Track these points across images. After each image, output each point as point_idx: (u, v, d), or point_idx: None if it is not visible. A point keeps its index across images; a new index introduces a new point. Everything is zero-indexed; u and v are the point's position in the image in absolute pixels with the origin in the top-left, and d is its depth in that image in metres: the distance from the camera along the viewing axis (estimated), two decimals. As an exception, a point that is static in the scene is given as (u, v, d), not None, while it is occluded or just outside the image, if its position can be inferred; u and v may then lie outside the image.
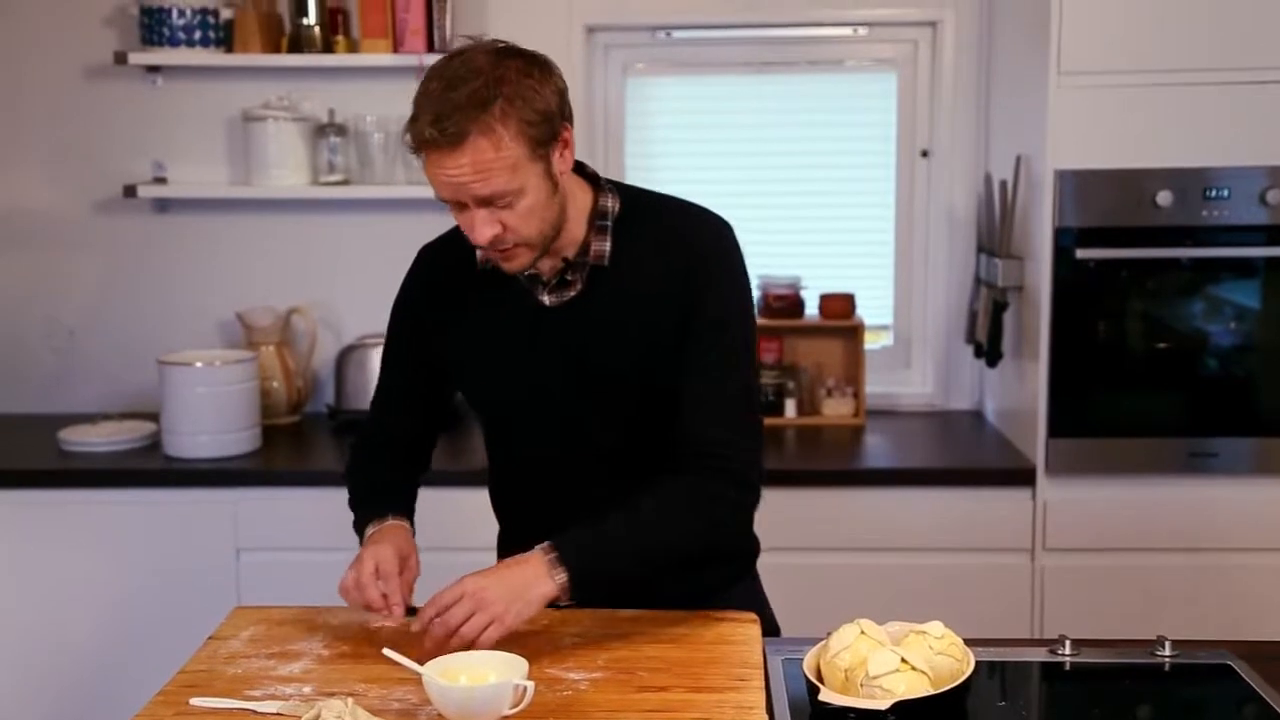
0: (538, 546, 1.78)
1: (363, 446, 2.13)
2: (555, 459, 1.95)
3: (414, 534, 2.00)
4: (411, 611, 1.84)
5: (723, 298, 1.88)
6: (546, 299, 1.90)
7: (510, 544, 2.06)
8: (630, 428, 1.91)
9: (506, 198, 1.74)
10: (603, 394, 1.90)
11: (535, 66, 1.78)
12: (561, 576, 1.75)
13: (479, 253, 1.90)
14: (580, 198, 1.89)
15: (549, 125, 1.76)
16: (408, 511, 2.04)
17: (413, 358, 2.04)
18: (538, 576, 1.75)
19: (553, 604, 1.77)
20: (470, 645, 1.69)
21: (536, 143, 1.74)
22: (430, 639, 1.72)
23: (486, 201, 1.75)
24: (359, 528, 2.01)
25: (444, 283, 1.98)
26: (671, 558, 1.86)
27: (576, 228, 1.87)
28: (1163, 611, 2.94)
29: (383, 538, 1.93)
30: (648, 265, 1.88)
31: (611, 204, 1.90)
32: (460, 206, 1.78)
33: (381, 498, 2.03)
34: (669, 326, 1.87)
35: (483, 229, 1.76)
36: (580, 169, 1.91)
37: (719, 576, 2.02)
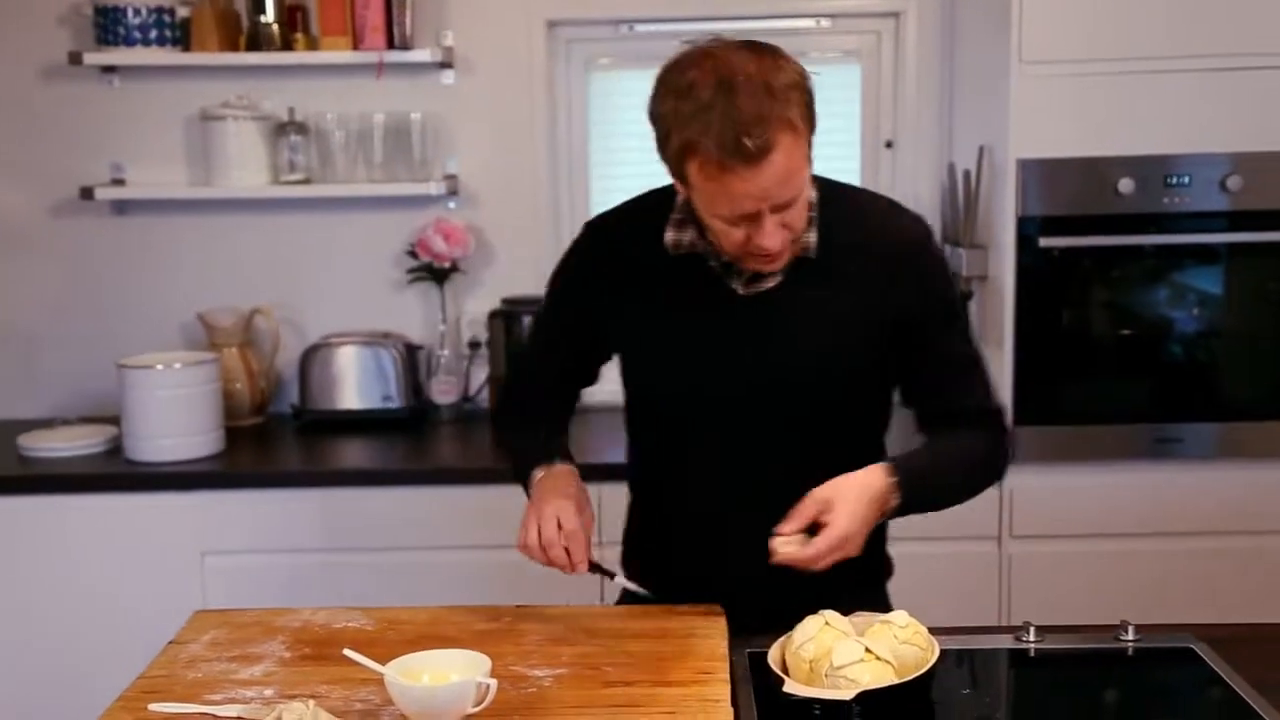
0: (880, 466, 1.78)
1: (510, 401, 2.12)
2: (719, 450, 1.89)
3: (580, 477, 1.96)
4: (594, 568, 1.84)
5: (946, 284, 1.90)
6: (740, 288, 1.84)
7: (645, 531, 2.04)
8: (805, 427, 1.87)
9: (799, 196, 1.71)
10: (788, 388, 1.85)
11: (777, 48, 1.73)
12: (894, 501, 1.77)
13: (670, 236, 1.84)
14: None
15: (813, 108, 1.71)
16: (569, 456, 1.98)
17: (574, 333, 1.98)
18: (881, 505, 1.76)
19: None
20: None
21: (811, 128, 1.71)
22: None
23: (784, 206, 1.70)
24: (522, 473, 1.96)
25: (622, 261, 1.90)
26: (963, 499, 1.93)
27: None
28: (1129, 596, 2.95)
29: (555, 486, 1.88)
30: (852, 256, 1.83)
31: (813, 195, 1.84)
32: (744, 219, 1.70)
33: (542, 442, 1.99)
34: (872, 329, 1.84)
35: (774, 236, 1.71)
36: None
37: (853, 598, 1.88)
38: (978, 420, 1.91)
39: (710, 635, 1.81)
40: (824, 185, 1.87)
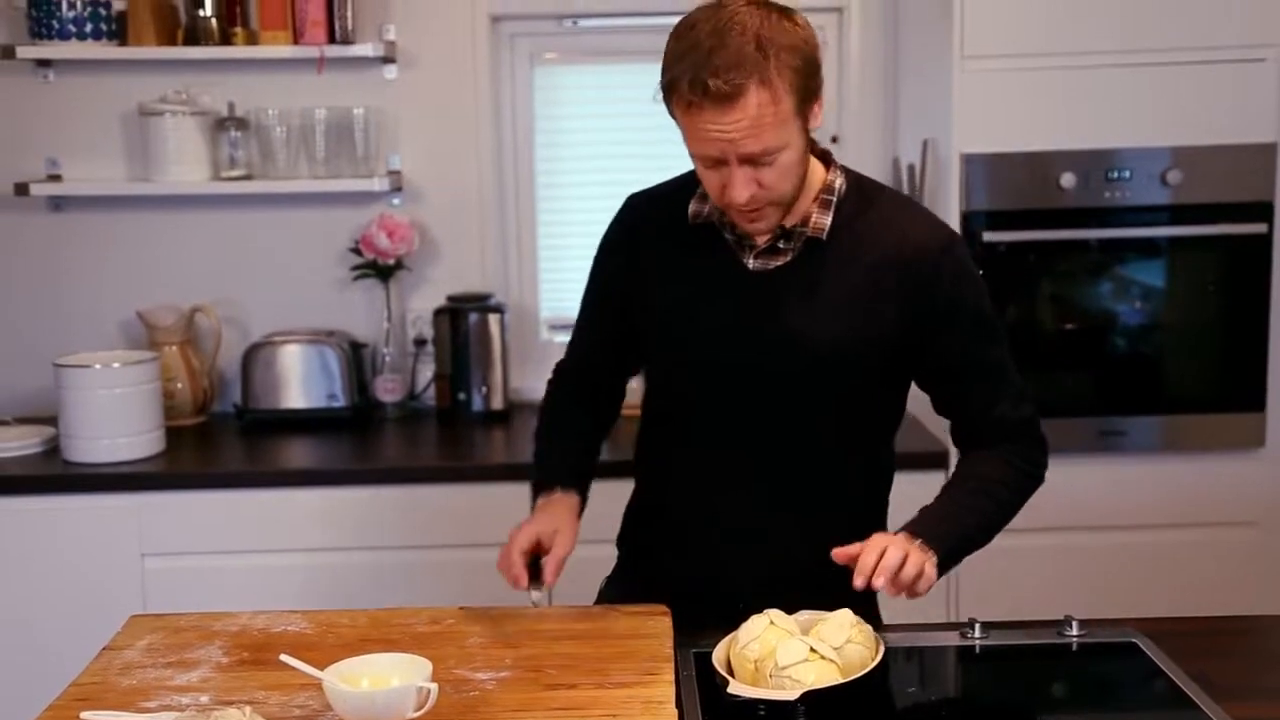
0: (901, 531, 1.78)
1: (560, 385, 2.13)
2: (725, 427, 1.90)
3: (584, 502, 2.00)
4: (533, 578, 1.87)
5: (965, 291, 1.87)
6: (751, 263, 1.86)
7: (644, 509, 2.06)
8: (798, 408, 1.87)
9: (773, 154, 1.72)
10: (791, 365, 1.85)
11: (796, 15, 1.75)
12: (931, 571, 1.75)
13: (693, 207, 1.89)
14: (814, 171, 1.85)
15: (816, 77, 1.74)
16: (582, 476, 2.02)
17: (609, 302, 2.02)
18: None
19: None
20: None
21: (803, 96, 1.72)
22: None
23: (751, 159, 1.71)
24: (534, 492, 2.00)
25: (656, 233, 1.95)
26: (1001, 519, 1.91)
27: (805, 199, 1.84)
28: (1074, 590, 2.97)
29: (545, 510, 1.94)
30: (867, 246, 1.84)
31: (840, 183, 1.87)
32: (717, 164, 1.74)
33: (560, 461, 2.04)
34: (876, 316, 1.83)
35: (742, 188, 1.73)
36: (811, 147, 1.86)
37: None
38: (1007, 433, 1.92)
39: (655, 635, 1.80)
40: (855, 178, 1.91)
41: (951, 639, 1.84)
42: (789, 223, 1.84)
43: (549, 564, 1.86)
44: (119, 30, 3.28)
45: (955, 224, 2.95)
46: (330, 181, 3.34)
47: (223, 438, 3.33)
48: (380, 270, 3.39)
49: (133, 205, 3.43)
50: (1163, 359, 3.06)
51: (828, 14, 3.48)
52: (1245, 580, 3.04)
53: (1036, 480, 1.95)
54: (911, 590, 1.71)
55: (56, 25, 3.21)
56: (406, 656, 1.62)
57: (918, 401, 3.40)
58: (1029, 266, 3.00)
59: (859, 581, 1.68)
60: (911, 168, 3.22)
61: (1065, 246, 2.99)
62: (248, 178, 3.37)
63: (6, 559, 2.96)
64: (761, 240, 1.85)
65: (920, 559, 1.71)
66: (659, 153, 3.50)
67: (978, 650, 1.82)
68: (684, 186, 1.93)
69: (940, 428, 3.06)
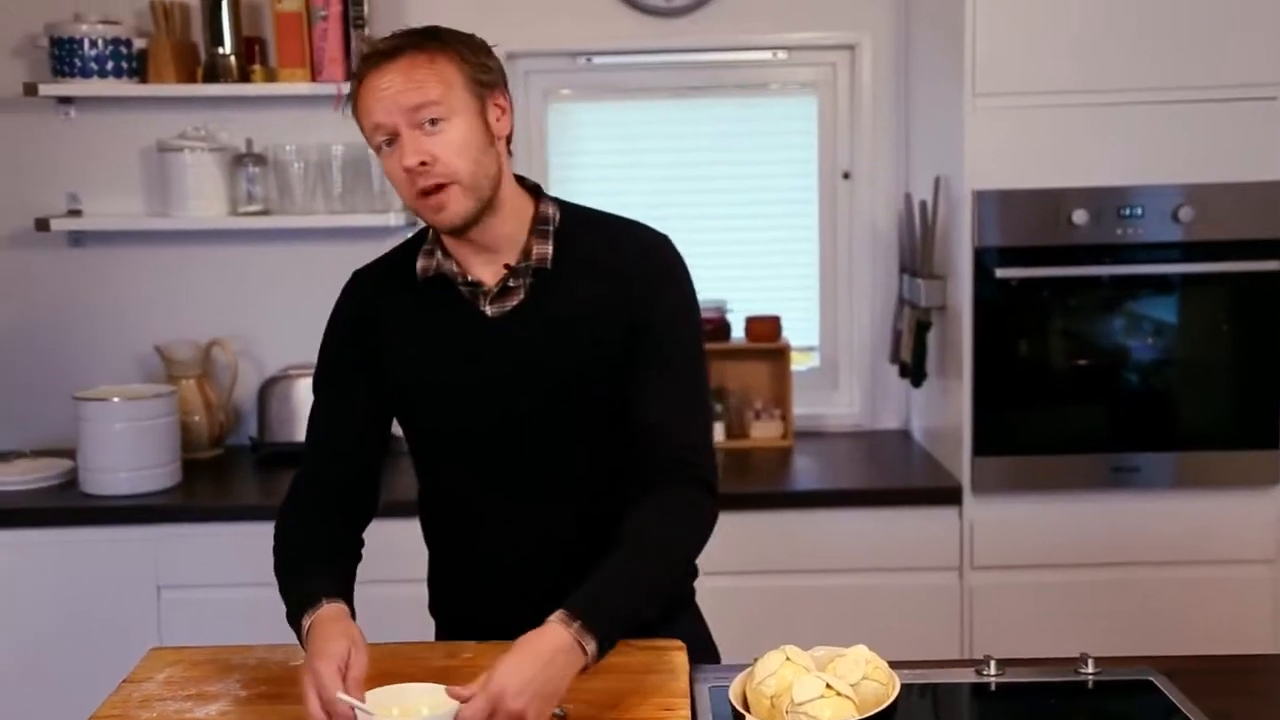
0: (554, 618, 1.61)
1: (298, 498, 1.94)
2: (499, 478, 1.89)
3: (352, 610, 1.78)
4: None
5: (671, 303, 1.88)
6: (489, 309, 1.87)
7: (443, 575, 2.04)
8: (575, 441, 1.88)
9: (435, 111, 1.74)
10: (549, 402, 1.86)
11: (468, 37, 1.83)
12: (591, 645, 1.61)
13: (421, 263, 1.88)
14: (522, 205, 1.88)
15: (485, 70, 1.80)
16: (341, 582, 1.83)
17: (353, 383, 1.93)
18: (570, 659, 1.59)
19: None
20: None
21: (472, 78, 1.78)
22: None
23: (416, 121, 1.74)
24: (293, 618, 1.75)
25: (383, 301, 1.93)
26: (676, 579, 1.89)
27: (519, 233, 1.86)
28: (1089, 626, 2.97)
29: (321, 636, 1.67)
30: (589, 270, 1.86)
31: (553, 212, 1.90)
32: (389, 141, 1.76)
33: (311, 569, 1.81)
34: (613, 333, 1.85)
35: (412, 153, 1.75)
36: (520, 181, 1.90)
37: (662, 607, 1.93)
38: (664, 467, 1.81)
39: (671, 670, 1.80)
40: (569, 207, 1.93)
41: (967, 675, 1.84)
42: (513, 261, 1.86)
43: (352, 687, 1.59)
44: (140, 68, 3.32)
45: (968, 260, 2.98)
46: (346, 217, 3.37)
47: (238, 471, 3.35)
48: (396, 305, 3.41)
49: (151, 240, 3.46)
50: (1175, 395, 3.07)
51: (840, 51, 3.51)
52: (1261, 618, 3.04)
53: (699, 536, 1.84)
54: None
55: (79, 63, 3.26)
56: (430, 686, 1.63)
57: (931, 437, 3.42)
58: (1041, 302, 3.01)
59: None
60: (924, 204, 3.24)
61: (1077, 283, 3.00)
62: (265, 213, 3.40)
63: (24, 590, 2.98)
64: (492, 283, 1.85)
65: (544, 653, 1.57)
66: (673, 189, 3.58)
67: (993, 687, 1.81)
68: (407, 251, 1.93)
69: (955, 464, 3.08)
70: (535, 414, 1.86)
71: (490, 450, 1.89)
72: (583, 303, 1.85)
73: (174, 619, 2.98)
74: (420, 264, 1.89)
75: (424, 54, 1.76)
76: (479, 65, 1.80)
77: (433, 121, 1.75)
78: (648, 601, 1.75)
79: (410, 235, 1.98)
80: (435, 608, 2.09)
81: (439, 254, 1.88)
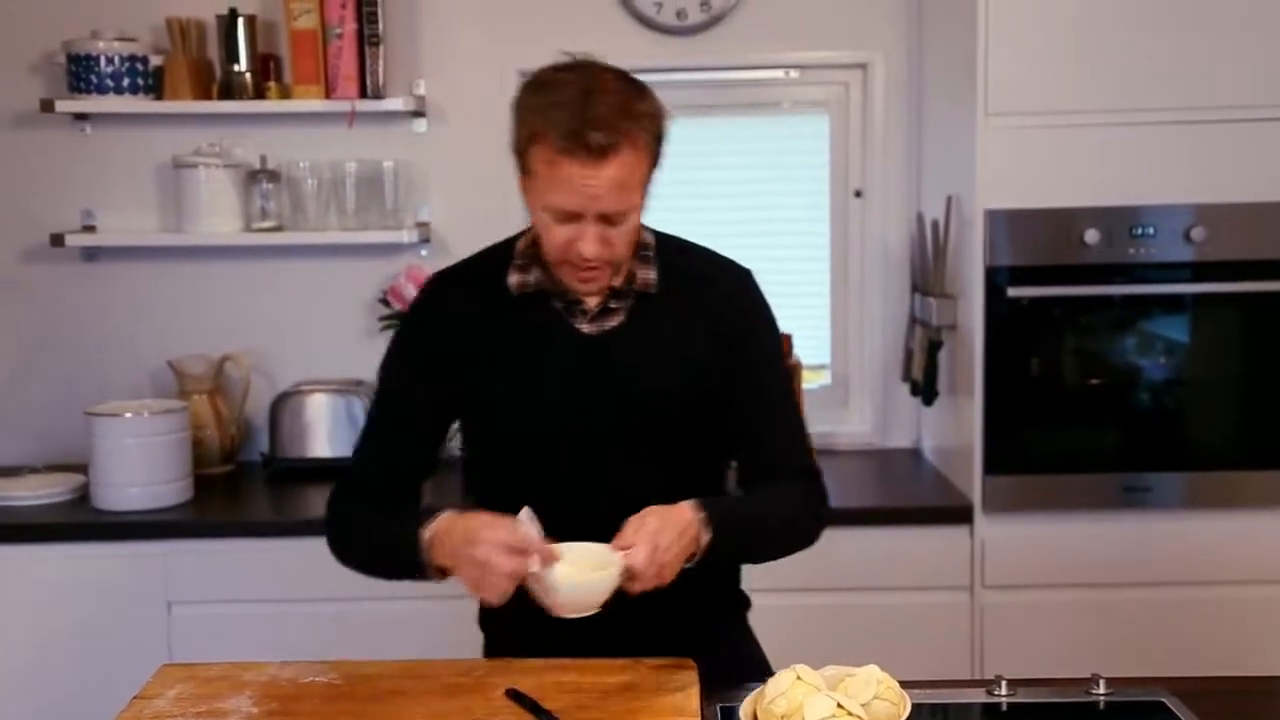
0: (687, 503, 1.76)
1: (348, 498, 1.97)
2: (568, 493, 1.87)
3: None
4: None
5: (769, 340, 1.94)
6: (585, 327, 1.87)
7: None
8: (651, 463, 1.89)
9: (626, 215, 1.76)
10: (636, 423, 1.87)
11: (647, 89, 1.81)
12: (705, 538, 1.76)
13: (514, 278, 1.89)
14: None
15: (662, 145, 1.80)
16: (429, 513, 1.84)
17: (432, 388, 1.92)
18: (690, 541, 1.74)
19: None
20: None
21: (654, 162, 1.78)
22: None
23: (608, 217, 1.75)
24: (410, 547, 1.79)
25: (464, 312, 1.91)
26: (782, 549, 1.94)
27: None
28: (1101, 646, 2.96)
29: (464, 523, 1.75)
30: (688, 297, 1.89)
31: (649, 238, 1.92)
32: (570, 218, 1.76)
33: (400, 518, 1.85)
34: (706, 361, 1.89)
35: (594, 244, 1.76)
36: None
37: (723, 621, 2.04)
38: (794, 476, 1.95)
39: (681, 688, 1.80)
40: (659, 233, 1.95)
41: (978, 696, 1.84)
42: (618, 282, 1.87)
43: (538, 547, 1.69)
44: (155, 85, 3.34)
45: (979, 279, 2.98)
46: (359, 233, 3.38)
47: (250, 486, 3.35)
48: (408, 321, 3.42)
49: (165, 256, 3.48)
50: (1188, 415, 3.06)
51: (852, 70, 3.52)
52: (1274, 639, 3.02)
53: (817, 523, 1.96)
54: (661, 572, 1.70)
55: (95, 80, 3.28)
56: (589, 545, 1.73)
57: (942, 456, 3.41)
58: (1053, 322, 3.00)
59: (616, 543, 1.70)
60: (935, 223, 3.24)
61: (1089, 302, 3.00)
62: (279, 229, 3.41)
63: (35, 605, 2.99)
64: (593, 303, 1.87)
65: (682, 521, 1.73)
66: (684, 206, 3.58)
67: (1004, 708, 1.81)
68: (489, 260, 1.94)
69: (966, 483, 3.08)
70: (619, 432, 1.87)
71: (564, 465, 1.90)
72: (681, 329, 1.88)
73: (185, 635, 2.98)
74: (514, 279, 1.89)
75: (634, 151, 1.73)
76: (660, 142, 1.79)
77: (621, 219, 1.76)
78: (759, 541, 1.87)
79: (487, 248, 1.98)
80: (485, 622, 2.08)
81: (537, 270, 1.88)
